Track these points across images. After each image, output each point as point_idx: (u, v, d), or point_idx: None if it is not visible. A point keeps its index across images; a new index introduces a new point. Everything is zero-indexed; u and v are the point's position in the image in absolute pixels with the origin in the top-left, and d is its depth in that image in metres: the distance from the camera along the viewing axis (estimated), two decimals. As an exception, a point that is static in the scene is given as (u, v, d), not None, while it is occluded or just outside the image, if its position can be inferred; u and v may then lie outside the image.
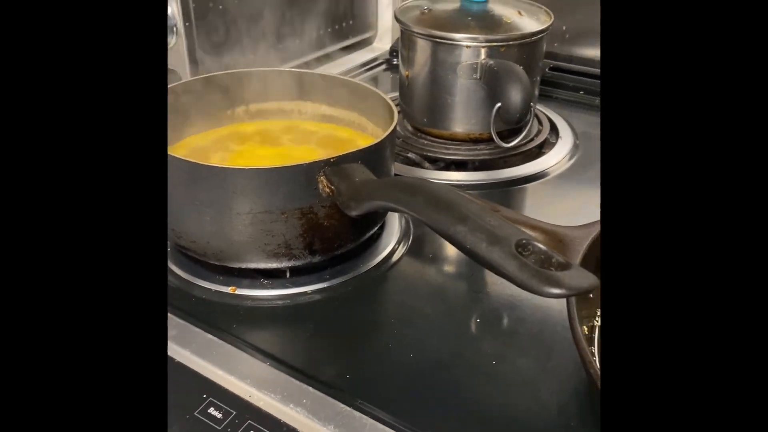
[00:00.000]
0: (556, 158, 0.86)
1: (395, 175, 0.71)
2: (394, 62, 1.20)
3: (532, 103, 0.70)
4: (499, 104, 0.71)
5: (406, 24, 0.85)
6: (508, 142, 0.78)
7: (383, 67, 1.20)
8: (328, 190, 0.58)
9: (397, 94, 1.04)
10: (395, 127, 0.65)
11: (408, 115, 0.91)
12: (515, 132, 0.84)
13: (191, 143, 0.74)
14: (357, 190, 0.56)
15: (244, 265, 0.62)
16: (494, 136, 0.77)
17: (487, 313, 0.61)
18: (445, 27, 0.82)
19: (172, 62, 0.92)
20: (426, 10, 0.86)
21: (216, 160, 0.70)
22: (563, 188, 0.83)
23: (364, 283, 0.64)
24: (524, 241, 0.43)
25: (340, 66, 1.16)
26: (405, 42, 0.87)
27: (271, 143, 0.75)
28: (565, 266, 0.41)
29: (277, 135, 0.77)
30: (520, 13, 0.84)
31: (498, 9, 0.85)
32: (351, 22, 1.18)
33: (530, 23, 0.83)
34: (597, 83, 1.07)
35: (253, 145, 0.74)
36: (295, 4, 1.04)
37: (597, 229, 0.56)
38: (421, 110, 0.88)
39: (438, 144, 0.88)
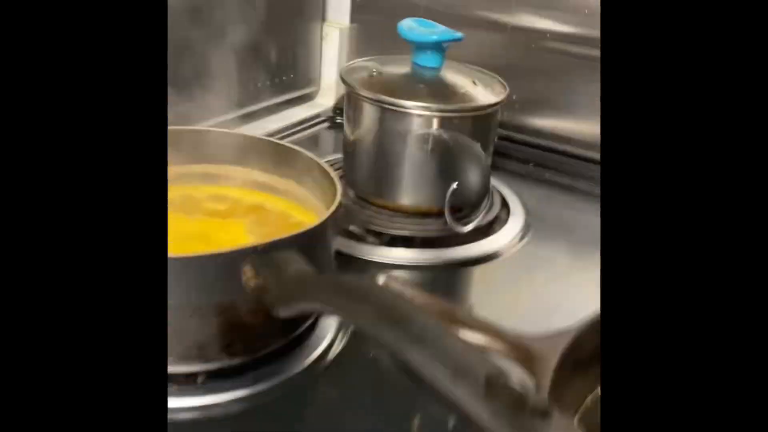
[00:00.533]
0: (507, 237, 0.80)
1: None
2: (338, 120, 1.13)
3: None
4: (455, 184, 0.64)
5: (353, 86, 0.78)
6: (463, 224, 0.71)
7: (326, 125, 1.12)
8: (253, 283, 0.48)
9: (340, 155, 0.96)
10: (338, 206, 0.57)
11: (351, 181, 0.83)
12: (469, 210, 0.77)
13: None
14: (288, 287, 0.46)
15: (145, 369, 0.50)
16: (448, 219, 0.70)
17: (436, 425, 0.52)
18: (395, 93, 0.75)
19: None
20: (375, 73, 0.79)
21: None
22: (515, 271, 0.77)
23: (292, 390, 0.54)
24: (495, 375, 0.35)
25: (278, 121, 1.08)
26: (351, 104, 0.80)
27: (191, 214, 0.65)
28: (544, 413, 0.33)
29: (200, 204, 0.67)
30: (474, 82, 0.79)
31: (451, 76, 0.80)
32: (292, 75, 1.10)
33: (485, 94, 0.77)
34: (547, 155, 1.03)
35: (169, 218, 0.63)
36: (228, 51, 0.96)
37: (566, 339, 0.48)
38: (366, 178, 0.81)
39: (383, 216, 0.80)
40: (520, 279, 0.75)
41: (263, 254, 0.49)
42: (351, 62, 0.84)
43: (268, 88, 1.05)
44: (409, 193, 0.79)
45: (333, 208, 0.56)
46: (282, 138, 1.03)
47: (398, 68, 0.82)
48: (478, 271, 0.76)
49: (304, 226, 0.64)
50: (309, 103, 1.17)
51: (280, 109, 1.11)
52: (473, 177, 0.61)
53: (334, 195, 0.60)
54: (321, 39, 1.14)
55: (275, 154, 0.68)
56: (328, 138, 1.10)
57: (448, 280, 0.75)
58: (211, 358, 0.50)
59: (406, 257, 0.75)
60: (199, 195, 0.68)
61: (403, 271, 0.74)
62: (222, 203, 0.68)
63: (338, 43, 1.13)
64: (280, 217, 0.66)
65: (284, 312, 0.47)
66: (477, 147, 0.65)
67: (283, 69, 1.07)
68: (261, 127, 1.04)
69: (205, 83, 0.93)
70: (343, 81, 0.79)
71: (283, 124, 1.07)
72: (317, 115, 1.13)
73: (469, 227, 0.72)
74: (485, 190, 0.61)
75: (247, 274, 0.48)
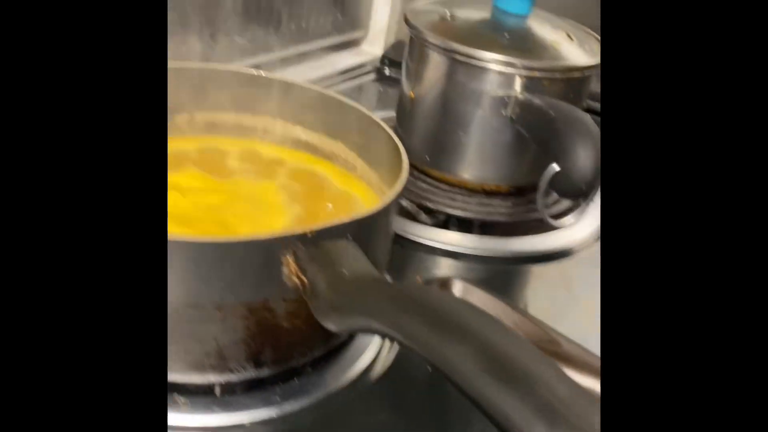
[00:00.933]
0: (584, 232, 0.67)
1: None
2: (386, 73, 0.99)
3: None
4: (556, 168, 0.51)
5: (419, 30, 0.64)
6: (557, 216, 0.58)
7: (371, 77, 0.98)
8: (297, 280, 0.36)
9: (385, 113, 0.83)
10: (404, 181, 0.44)
11: (405, 146, 0.70)
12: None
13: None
14: (345, 293, 0.34)
15: (149, 375, 0.39)
16: (542, 210, 0.56)
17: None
18: (471, 41, 0.61)
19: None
20: (448, 17, 0.65)
21: None
22: (592, 273, 0.64)
23: (330, 411, 0.43)
24: None
25: (317, 69, 0.94)
26: (414, 52, 0.66)
27: (217, 174, 0.52)
28: None
29: (228, 161, 0.55)
30: (569, 37, 0.64)
31: (540, 28, 0.65)
32: (339, 16, 0.96)
33: (581, 53, 0.63)
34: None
35: (191, 176, 0.51)
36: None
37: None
38: (425, 144, 0.68)
39: (440, 191, 0.67)
40: (597, 283, 0.63)
41: (312, 243, 0.37)
42: (416, 2, 0.70)
43: (309, 29, 0.91)
44: (475, 167, 0.66)
45: (398, 186, 0.43)
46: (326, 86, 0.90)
47: (476, 13, 0.67)
48: (546, 270, 0.63)
49: (351, 200, 0.52)
50: (354, 50, 1.02)
51: (320, 56, 0.97)
52: (583, 159, 0.48)
53: (398, 168, 0.47)
54: (374, -26, 0.99)
55: (324, 108, 0.55)
56: (372, 92, 0.97)
57: (509, 276, 0.63)
58: (233, 367, 0.39)
59: (462, 243, 0.63)
60: (227, 150, 0.56)
61: (456, 260, 0.61)
62: (254, 162, 0.55)
63: (395, -20, 0.98)
64: (322, 184, 0.54)
65: (336, 326, 0.35)
66: (586, 118, 0.51)
67: (327, 7, 0.93)
68: (297, 75, 0.91)
69: (246, 15, 0.80)
70: (408, 23, 0.65)
71: (323, 73, 0.93)
72: (362, 65, 0.99)
73: (568, 221, 0.59)
74: (596, 178, 0.48)
75: (290, 267, 0.36)
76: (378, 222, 0.41)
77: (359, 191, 0.53)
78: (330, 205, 0.50)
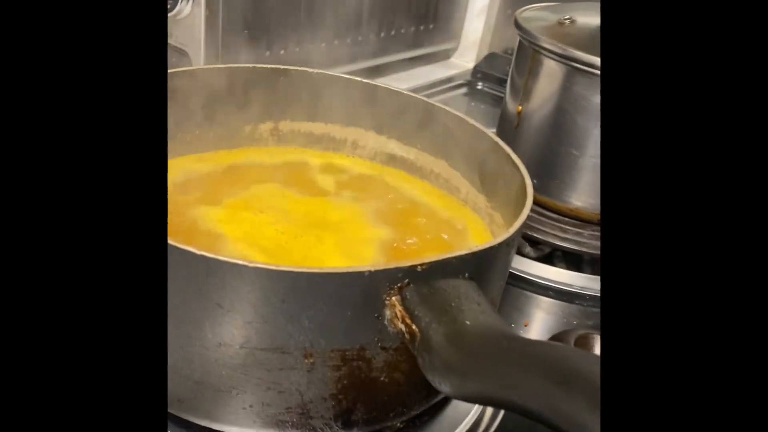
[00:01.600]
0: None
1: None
2: (478, 87, 0.92)
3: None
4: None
5: (532, 34, 0.56)
6: None
7: (462, 91, 0.91)
8: (403, 326, 0.29)
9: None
10: (529, 209, 0.36)
11: (505, 167, 0.62)
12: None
13: (176, 171, 0.45)
14: (468, 351, 0.27)
15: (215, 426, 0.33)
16: None
17: None
18: (594, 48, 0.53)
19: (182, 39, 0.64)
20: (566, 20, 0.57)
21: (195, 227, 0.41)
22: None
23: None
24: None
25: (405, 81, 0.88)
26: (523, 62, 0.59)
27: (300, 190, 0.46)
28: None
29: (314, 177, 0.49)
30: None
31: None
32: (431, 26, 0.89)
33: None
34: None
35: (271, 192, 0.45)
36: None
37: None
38: (532, 166, 0.59)
39: (548, 220, 0.59)
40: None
41: (423, 280, 0.29)
42: (525, 8, 0.63)
43: (397, 39, 0.85)
44: (591, 194, 0.57)
45: (523, 215, 0.35)
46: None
47: (595, 17, 0.59)
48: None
49: (456, 229, 0.45)
50: (443, 62, 0.96)
51: (407, 67, 0.91)
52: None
53: (515, 193, 0.40)
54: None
55: (424, 120, 0.48)
56: (463, 107, 0.89)
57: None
58: (318, 426, 0.32)
59: (569, 281, 0.54)
60: (313, 163, 0.50)
61: (566, 301, 0.53)
62: (340, 178, 0.49)
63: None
64: (420, 208, 0.46)
65: (452, 388, 0.27)
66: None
67: (417, 17, 0.87)
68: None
69: (339, 22, 0.75)
70: (519, 27, 0.58)
71: (409, 86, 0.87)
72: (452, 78, 0.93)
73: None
74: None
75: (395, 309, 0.29)
76: (499, 258, 0.34)
77: (464, 218, 0.46)
78: (446, 235, 0.43)
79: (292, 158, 0.50)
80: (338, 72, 0.78)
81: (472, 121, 0.46)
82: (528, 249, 0.57)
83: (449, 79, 0.92)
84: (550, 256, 0.58)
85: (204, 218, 0.40)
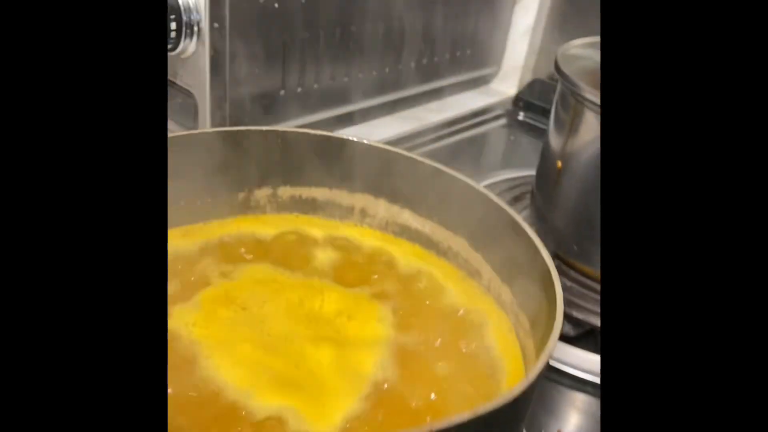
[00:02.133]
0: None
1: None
2: (519, 117, 0.84)
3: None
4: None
5: (574, 82, 0.48)
6: None
7: (501, 122, 0.83)
8: None
9: (517, 172, 0.68)
10: (557, 338, 0.29)
11: (546, 224, 0.55)
12: None
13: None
14: None
15: None
16: None
17: None
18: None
19: (187, 80, 0.59)
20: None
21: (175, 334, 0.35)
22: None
23: None
24: None
25: (439, 111, 0.81)
26: (565, 109, 0.51)
27: (295, 271, 0.40)
28: None
29: (313, 253, 0.42)
30: None
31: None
32: (468, 51, 0.82)
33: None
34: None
35: (260, 278, 0.39)
36: (393, 16, 0.70)
37: None
38: (573, 227, 0.52)
39: (590, 293, 0.51)
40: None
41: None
42: (568, 44, 0.55)
43: (430, 65, 0.78)
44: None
45: (550, 346, 0.28)
46: (441, 137, 0.76)
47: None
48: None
49: (474, 324, 0.38)
50: (482, 89, 0.88)
51: (442, 95, 0.84)
52: None
53: (543, 291, 0.33)
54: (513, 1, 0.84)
55: (442, 190, 0.41)
56: (502, 141, 0.82)
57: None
58: None
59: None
60: (314, 236, 0.44)
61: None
62: (344, 254, 0.42)
63: (537, 7, 0.82)
64: (434, 296, 0.39)
65: None
66: None
67: (455, 37, 0.79)
68: (414, 117, 0.78)
69: (342, 57, 0.68)
70: (559, 72, 0.50)
71: (444, 117, 0.79)
72: (491, 108, 0.85)
73: None
74: None
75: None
76: (521, 406, 0.26)
77: (487, 312, 0.38)
78: (464, 346, 0.36)
79: (290, 228, 0.44)
80: (362, 105, 0.73)
81: (495, 198, 0.38)
82: (567, 327, 0.49)
83: (488, 109, 0.84)
84: (591, 333, 0.50)
85: (177, 319, 0.35)
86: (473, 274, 0.41)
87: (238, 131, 0.41)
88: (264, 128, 0.42)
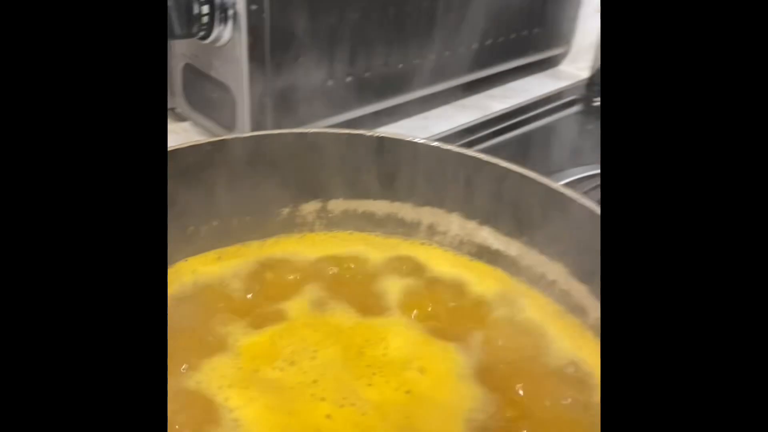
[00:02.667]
0: None
1: None
2: (594, 103, 0.74)
3: None
4: None
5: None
6: None
7: (574, 109, 0.73)
8: None
9: (596, 170, 0.58)
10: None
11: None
12: None
13: (178, 281, 0.33)
14: None
15: None
16: None
17: None
18: None
19: (222, 71, 0.52)
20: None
21: (190, 396, 0.28)
22: None
23: None
24: None
25: (502, 98, 0.72)
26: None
27: (350, 305, 0.32)
28: None
29: (373, 282, 0.35)
30: None
31: None
32: (535, 30, 0.72)
33: None
34: None
35: (308, 321, 0.31)
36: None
37: None
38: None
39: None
40: None
41: None
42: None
43: (493, 47, 0.69)
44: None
45: None
46: (506, 129, 0.67)
47: None
48: None
49: (590, 396, 0.29)
50: (551, 72, 0.78)
51: (505, 80, 0.75)
52: None
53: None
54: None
55: (532, 203, 0.33)
56: (575, 131, 0.72)
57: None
58: None
59: None
60: (372, 260, 0.36)
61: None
62: (411, 283, 0.34)
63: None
64: (526, 342, 0.31)
65: None
66: None
67: (522, 17, 0.70)
68: (475, 106, 0.69)
69: (402, 40, 0.59)
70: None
71: (509, 105, 0.70)
72: (561, 94, 0.75)
73: None
74: None
75: None
76: None
77: (596, 362, 0.30)
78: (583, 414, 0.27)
79: (343, 250, 0.36)
80: (418, 95, 0.65)
81: (592, 204, 0.30)
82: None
83: (558, 95, 0.74)
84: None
85: (203, 380, 0.28)
86: (575, 310, 0.33)
87: (276, 135, 0.34)
88: (308, 130, 0.34)
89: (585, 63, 0.77)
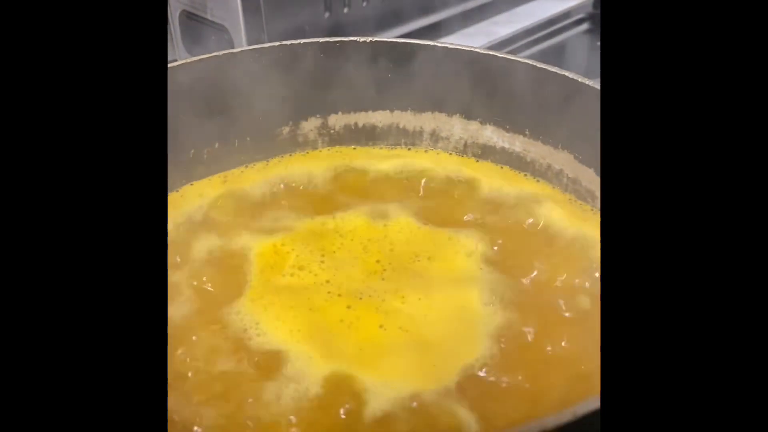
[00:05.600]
0: None
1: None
2: (603, 19, 0.71)
3: None
4: None
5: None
6: None
7: (583, 27, 0.71)
8: None
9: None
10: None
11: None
12: None
13: (183, 206, 0.33)
14: None
15: None
16: None
17: None
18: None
19: (218, 13, 0.51)
20: None
21: (210, 305, 0.29)
22: None
23: None
24: None
25: (504, 25, 0.70)
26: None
27: (360, 212, 0.32)
28: None
29: (380, 189, 0.34)
30: None
31: None
32: (536, -53, 0.70)
33: None
34: None
35: (319, 229, 0.31)
36: None
37: None
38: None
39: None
40: None
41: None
42: None
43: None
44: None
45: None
46: (515, 51, 0.65)
47: None
48: None
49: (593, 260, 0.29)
50: (555, -6, 0.76)
51: (510, 5, 0.73)
52: None
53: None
54: None
55: (533, 92, 0.32)
56: (585, 49, 0.70)
57: None
58: None
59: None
60: (377, 170, 0.36)
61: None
62: (418, 186, 0.34)
63: None
64: (534, 229, 0.31)
65: None
66: None
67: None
68: (481, 33, 0.68)
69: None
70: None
71: (512, 30, 0.69)
72: (568, 13, 0.72)
73: None
74: None
75: None
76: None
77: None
78: (587, 301, 0.27)
79: (346, 163, 0.36)
80: (418, 25, 0.64)
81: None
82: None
83: (565, 15, 0.72)
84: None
85: (223, 293, 0.28)
86: (583, 195, 0.32)
87: (270, 48, 0.33)
88: (301, 41, 0.34)
89: (591, -20, 0.74)
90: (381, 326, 0.26)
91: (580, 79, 0.30)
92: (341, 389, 0.24)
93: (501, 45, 0.65)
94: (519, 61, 0.32)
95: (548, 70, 0.31)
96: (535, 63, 0.32)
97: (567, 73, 0.31)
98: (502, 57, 0.32)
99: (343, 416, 0.23)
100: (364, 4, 0.56)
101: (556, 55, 0.68)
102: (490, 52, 0.33)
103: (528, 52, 0.66)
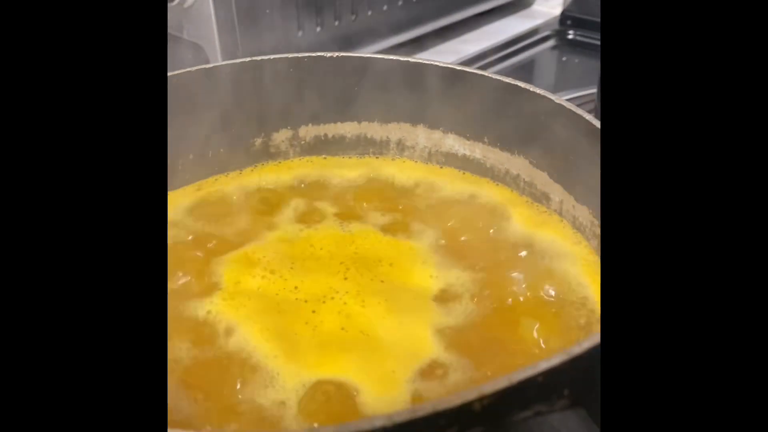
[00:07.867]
0: None
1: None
2: (569, 36, 0.74)
3: None
4: None
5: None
6: None
7: (549, 43, 0.74)
8: None
9: (575, 92, 0.59)
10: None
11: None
12: None
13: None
14: None
15: None
16: None
17: None
18: None
19: (194, 32, 0.53)
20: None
21: (183, 310, 0.30)
22: None
23: None
24: None
25: (473, 43, 0.73)
26: None
27: (326, 220, 0.34)
28: None
29: (346, 198, 0.36)
30: None
31: None
32: (502, -31, 0.73)
33: None
34: None
35: (287, 235, 0.33)
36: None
37: None
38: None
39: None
40: None
41: (492, 422, 0.16)
42: None
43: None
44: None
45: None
46: (483, 67, 0.68)
47: None
48: None
49: (559, 268, 0.31)
50: (524, 13, 0.79)
51: (479, 24, 0.75)
52: None
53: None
54: None
55: (491, 103, 0.34)
56: (552, 64, 0.73)
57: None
58: None
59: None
60: (345, 178, 0.37)
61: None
62: (385, 197, 0.36)
63: None
64: (494, 230, 0.33)
65: None
66: None
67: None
68: (450, 51, 0.70)
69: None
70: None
71: (481, 47, 0.71)
72: (535, 30, 0.76)
73: None
74: None
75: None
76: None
77: (562, 239, 0.32)
78: (550, 290, 0.29)
79: (317, 173, 0.38)
80: (389, 43, 0.66)
81: (558, 99, 0.31)
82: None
83: (532, 32, 0.75)
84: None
85: (196, 293, 0.29)
86: (540, 198, 0.34)
87: (242, 63, 0.35)
88: (271, 56, 0.36)
89: (555, 1, 0.78)
90: (342, 328, 0.28)
91: (531, 89, 0.32)
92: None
93: (471, 61, 0.68)
94: (475, 73, 0.34)
95: (503, 81, 0.33)
96: (490, 75, 0.34)
97: (520, 84, 0.33)
98: (460, 69, 0.34)
99: (307, 412, 0.25)
100: (337, 23, 0.59)
101: (526, 69, 0.71)
102: (449, 65, 0.35)
103: (498, 66, 0.69)
